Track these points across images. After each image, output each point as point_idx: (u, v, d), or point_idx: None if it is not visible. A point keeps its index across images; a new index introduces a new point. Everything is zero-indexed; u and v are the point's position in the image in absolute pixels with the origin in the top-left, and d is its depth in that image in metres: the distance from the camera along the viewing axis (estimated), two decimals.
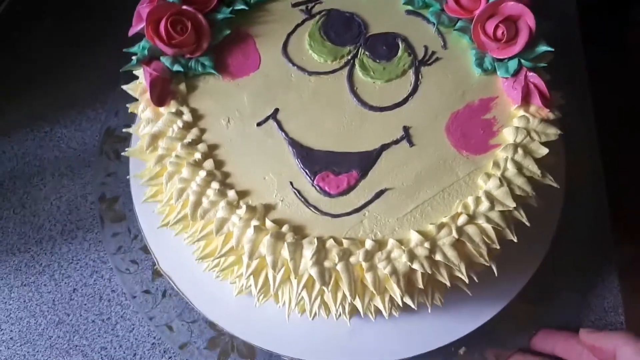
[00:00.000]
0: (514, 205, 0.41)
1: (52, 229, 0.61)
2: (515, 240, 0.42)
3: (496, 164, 0.42)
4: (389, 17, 0.50)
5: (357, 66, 0.49)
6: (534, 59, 0.46)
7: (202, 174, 0.43)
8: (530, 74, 0.45)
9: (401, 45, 0.49)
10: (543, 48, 0.45)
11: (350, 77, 0.49)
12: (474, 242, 0.40)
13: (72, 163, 0.65)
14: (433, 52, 0.48)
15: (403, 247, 0.39)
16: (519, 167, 0.42)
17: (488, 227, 0.40)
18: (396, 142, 0.45)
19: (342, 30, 0.50)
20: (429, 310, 0.46)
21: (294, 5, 0.51)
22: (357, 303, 0.42)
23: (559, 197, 0.52)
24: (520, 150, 0.43)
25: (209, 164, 0.43)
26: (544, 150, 0.43)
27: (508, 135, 0.44)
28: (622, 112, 0.64)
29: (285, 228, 0.41)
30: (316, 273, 0.39)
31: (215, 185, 0.42)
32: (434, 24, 0.48)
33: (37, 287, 0.59)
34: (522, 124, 0.44)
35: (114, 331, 0.52)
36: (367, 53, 0.49)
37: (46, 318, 0.56)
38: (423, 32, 0.49)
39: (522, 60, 0.45)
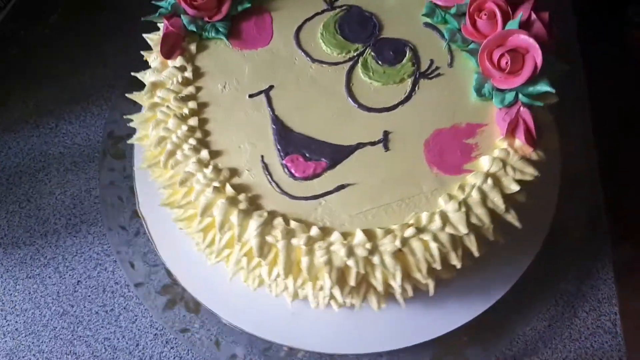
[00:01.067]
0: (466, 231, 0.42)
1: (57, 223, 0.62)
2: (458, 266, 0.44)
3: (461, 188, 0.42)
4: (406, 24, 0.51)
5: (359, 64, 0.50)
6: (533, 95, 0.45)
7: (184, 128, 0.46)
8: (524, 109, 0.44)
9: (408, 54, 0.49)
10: (544, 88, 0.44)
11: (350, 72, 0.50)
12: (415, 256, 0.41)
13: (76, 158, 0.66)
14: (437, 67, 0.49)
15: (345, 242, 0.41)
16: (484, 197, 0.42)
17: (433, 246, 0.41)
18: (373, 143, 0.46)
19: (357, 27, 0.51)
20: (358, 307, 0.51)
21: None
22: (290, 283, 0.44)
23: (553, 194, 0.55)
24: (490, 181, 0.42)
25: (193, 120, 0.46)
26: (515, 187, 0.42)
27: (484, 163, 0.43)
28: (619, 111, 0.64)
29: (242, 196, 0.43)
30: (256, 244, 0.41)
31: (192, 141, 0.45)
32: (446, 41, 0.48)
33: (41, 279, 0.60)
34: (500, 156, 0.44)
35: (117, 322, 0.55)
36: (373, 54, 0.50)
37: (50, 309, 0.57)
38: (433, 46, 0.50)
39: (520, 94, 0.45)
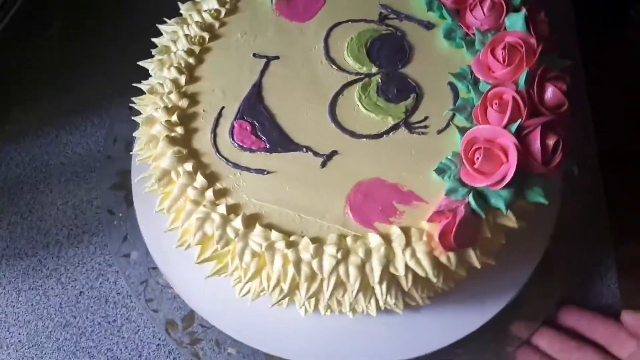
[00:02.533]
0: (326, 276, 0.44)
1: (59, 234, 0.62)
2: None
3: (355, 239, 0.44)
4: (432, 72, 0.52)
5: (360, 83, 0.51)
6: (485, 203, 0.44)
7: (173, 71, 0.52)
8: (460, 208, 0.42)
9: (409, 100, 0.50)
10: (499, 203, 0.44)
11: (348, 85, 0.52)
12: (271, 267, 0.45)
13: (77, 168, 0.66)
14: (426, 126, 0.48)
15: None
16: (363, 261, 0.43)
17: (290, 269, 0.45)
18: (316, 154, 0.47)
19: (387, 51, 0.53)
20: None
21: (382, 5, 0.55)
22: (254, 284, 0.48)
23: (555, 197, 0.52)
24: (381, 250, 0.42)
25: (192, 60, 0.53)
26: (399, 272, 0.43)
27: (391, 231, 0.43)
28: (620, 110, 0.64)
29: (180, 129, 0.50)
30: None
31: (182, 78, 0.52)
32: (453, 112, 0.48)
33: (44, 290, 0.60)
34: (408, 234, 0.43)
35: (120, 333, 0.53)
36: (379, 81, 0.51)
37: (53, 321, 0.57)
38: (439, 106, 0.49)
39: (471, 195, 0.43)
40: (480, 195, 0.43)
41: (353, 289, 0.42)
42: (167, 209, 0.45)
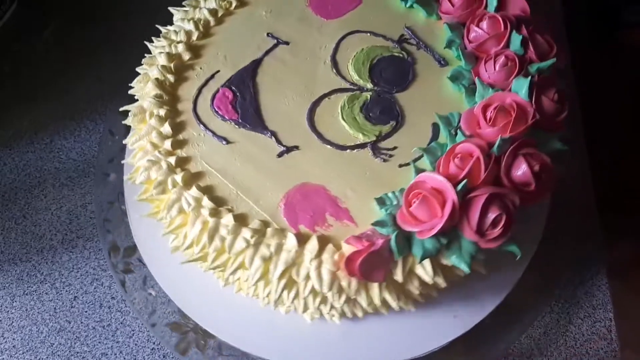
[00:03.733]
0: (229, 253, 0.46)
1: (53, 239, 0.62)
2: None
3: (265, 227, 0.47)
4: (426, 108, 0.53)
5: (350, 94, 0.53)
6: (404, 248, 0.45)
7: (192, 24, 0.56)
8: (378, 241, 0.44)
9: (387, 126, 0.51)
10: (417, 251, 0.45)
11: (336, 92, 0.54)
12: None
13: (71, 174, 0.66)
14: (391, 155, 0.49)
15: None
16: (268, 252, 0.46)
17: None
18: (278, 142, 0.50)
19: (390, 72, 0.54)
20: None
21: (407, 27, 0.57)
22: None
23: (544, 207, 0.56)
24: (292, 251, 0.46)
25: (212, 19, 0.58)
26: (297, 277, 0.46)
27: (310, 239, 0.45)
28: (610, 112, 0.64)
29: (172, 77, 0.54)
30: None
31: (195, 34, 0.55)
32: (424, 148, 0.50)
33: (38, 295, 0.60)
34: (323, 247, 0.47)
35: (114, 337, 0.53)
36: (368, 98, 0.52)
37: (48, 326, 0.57)
38: (415, 141, 0.50)
39: (394, 235, 0.44)
40: (405, 238, 0.44)
41: (252, 277, 0.44)
42: (132, 143, 0.49)
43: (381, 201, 0.46)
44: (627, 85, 0.68)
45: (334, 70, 0.54)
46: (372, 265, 0.44)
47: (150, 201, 0.47)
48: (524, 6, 0.52)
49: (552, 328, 0.56)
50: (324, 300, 0.46)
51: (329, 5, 0.57)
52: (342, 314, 0.48)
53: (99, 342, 0.54)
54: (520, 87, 0.47)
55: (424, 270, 0.44)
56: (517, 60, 0.49)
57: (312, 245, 0.45)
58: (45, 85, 0.70)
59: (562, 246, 0.57)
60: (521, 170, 0.44)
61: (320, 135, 0.51)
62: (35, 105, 0.67)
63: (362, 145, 0.50)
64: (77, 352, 0.54)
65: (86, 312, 0.55)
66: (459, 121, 0.48)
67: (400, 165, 0.48)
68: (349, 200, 0.47)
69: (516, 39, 0.49)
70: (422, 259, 0.43)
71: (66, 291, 0.56)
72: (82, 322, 0.55)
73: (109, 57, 0.69)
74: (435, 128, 0.49)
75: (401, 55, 0.54)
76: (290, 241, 0.45)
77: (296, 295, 0.45)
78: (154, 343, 0.54)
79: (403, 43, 0.55)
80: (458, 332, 0.53)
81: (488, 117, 0.47)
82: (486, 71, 0.50)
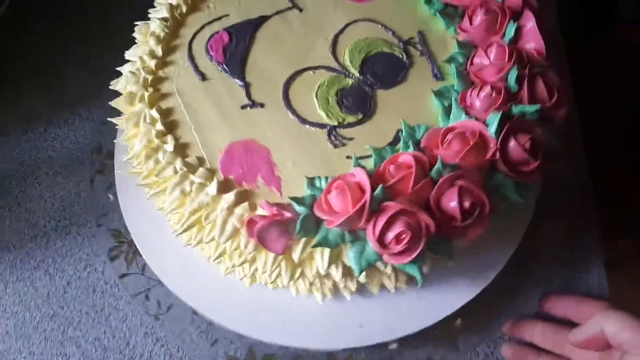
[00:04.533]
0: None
1: (47, 225, 0.63)
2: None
3: (195, 168, 0.50)
4: (404, 110, 0.53)
5: (332, 77, 0.55)
6: (309, 230, 0.48)
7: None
8: (285, 214, 0.47)
9: (352, 115, 0.52)
10: (319, 237, 0.48)
11: (323, 69, 0.56)
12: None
13: (66, 162, 0.67)
14: (343, 144, 0.51)
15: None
16: (187, 187, 0.49)
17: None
18: (247, 94, 0.54)
19: (383, 69, 0.55)
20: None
21: (419, 31, 0.58)
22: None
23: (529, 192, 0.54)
24: (208, 196, 0.49)
25: None
26: (203, 220, 0.50)
27: (232, 190, 0.48)
28: (606, 108, 0.64)
29: (185, 7, 0.57)
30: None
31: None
32: (372, 153, 0.50)
33: (32, 281, 0.61)
34: (238, 203, 0.48)
35: (108, 322, 0.53)
36: (348, 85, 0.54)
37: (41, 311, 0.58)
38: (374, 139, 0.51)
39: (304, 215, 0.46)
40: (315, 222, 0.45)
41: (169, 204, 0.49)
42: (129, 55, 0.55)
43: (311, 182, 0.47)
44: (625, 81, 0.67)
45: (330, 49, 0.54)
46: (272, 234, 0.46)
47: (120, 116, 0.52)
48: (540, 47, 0.51)
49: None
50: (227, 254, 0.50)
51: None
52: (325, 292, 0.52)
53: (92, 327, 0.54)
54: (492, 121, 0.47)
55: (321, 258, 0.46)
56: (503, 95, 0.48)
57: (230, 196, 0.46)
58: (39, 75, 0.72)
59: (557, 222, 0.56)
60: (451, 201, 0.44)
61: (288, 103, 0.52)
62: (29, 95, 0.70)
63: (322, 125, 0.51)
64: (70, 337, 0.53)
65: (79, 297, 0.55)
66: (421, 138, 0.48)
67: (347, 157, 0.48)
68: (285, 171, 0.49)
69: (513, 74, 0.48)
70: (316, 245, 0.44)
71: (59, 277, 0.56)
72: (75, 308, 0.55)
73: (101, 45, 0.69)
74: (399, 135, 0.49)
75: (400, 56, 0.54)
76: (212, 186, 0.46)
77: (200, 240, 0.48)
78: (147, 327, 0.54)
79: (408, 45, 0.55)
80: (451, 308, 0.54)
81: (446, 139, 0.46)
82: (470, 96, 0.49)
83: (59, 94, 0.68)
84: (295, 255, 0.45)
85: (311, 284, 0.48)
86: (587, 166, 0.59)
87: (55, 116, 0.65)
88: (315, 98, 0.51)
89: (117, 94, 0.52)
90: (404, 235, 0.43)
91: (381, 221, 0.43)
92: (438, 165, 0.45)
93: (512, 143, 0.47)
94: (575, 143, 0.62)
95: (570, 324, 0.53)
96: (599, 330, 0.46)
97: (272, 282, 0.47)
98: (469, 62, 0.52)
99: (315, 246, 0.44)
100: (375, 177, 0.45)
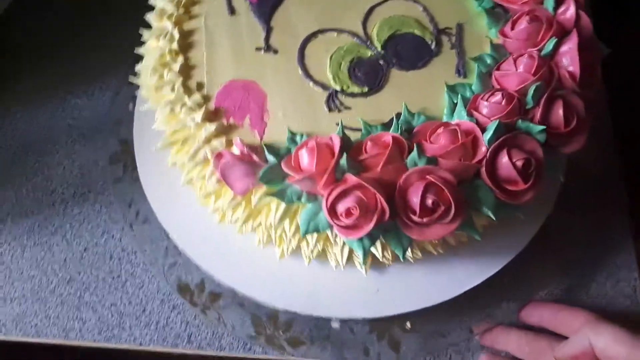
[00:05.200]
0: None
1: (65, 192, 0.70)
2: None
3: (199, 105, 0.53)
4: (411, 96, 0.51)
5: (353, 44, 0.53)
6: (274, 181, 0.49)
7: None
8: (255, 158, 0.47)
9: (358, 87, 0.52)
10: (280, 193, 0.49)
11: (348, 34, 0.54)
12: None
13: (84, 130, 0.73)
14: (339, 110, 0.51)
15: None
16: (186, 110, 0.52)
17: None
18: (266, 39, 0.54)
19: (406, 51, 0.53)
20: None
21: (459, 24, 0.55)
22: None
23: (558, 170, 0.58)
24: (195, 123, 0.50)
25: None
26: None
27: (215, 122, 0.51)
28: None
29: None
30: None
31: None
32: (363, 127, 0.50)
33: (49, 246, 0.67)
34: (217, 136, 0.50)
35: (124, 288, 0.55)
36: (366, 57, 0.53)
37: (57, 276, 0.59)
38: (377, 115, 0.50)
39: (271, 165, 0.48)
40: (280, 173, 0.46)
41: (157, 116, 0.52)
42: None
43: (292, 137, 0.50)
44: None
45: (363, 18, 0.56)
46: (235, 173, 0.47)
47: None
48: (575, 71, 0.49)
49: (575, 286, 0.54)
50: (194, 182, 0.53)
51: None
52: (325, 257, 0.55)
53: (109, 293, 0.54)
54: (491, 128, 0.47)
55: (275, 211, 0.49)
56: (513, 106, 0.47)
57: (211, 127, 0.50)
58: (58, 45, 0.76)
59: (583, 200, 0.55)
60: (415, 194, 0.44)
61: (301, 56, 0.55)
62: (49, 64, 0.76)
63: (325, 87, 0.53)
64: (87, 302, 0.54)
65: (96, 263, 0.55)
66: (415, 135, 0.50)
67: (337, 124, 0.51)
68: (273, 120, 0.52)
69: (532, 89, 0.49)
70: (271, 194, 0.47)
71: (77, 243, 0.56)
72: (91, 273, 0.55)
73: (120, 15, 0.69)
74: (396, 118, 0.50)
75: (430, 42, 0.55)
76: (199, 113, 0.51)
77: (175, 163, 0.53)
78: (163, 294, 0.53)
79: (442, 34, 0.55)
80: (472, 283, 0.54)
81: (436, 132, 0.47)
82: (481, 99, 0.49)
83: (78, 65, 0.77)
84: (254, 200, 0.49)
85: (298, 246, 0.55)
86: (618, 162, 0.59)
87: (74, 86, 0.77)
88: (329, 59, 0.55)
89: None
90: (354, 210, 0.44)
91: (337, 190, 0.44)
92: (414, 153, 0.46)
93: (503, 156, 0.46)
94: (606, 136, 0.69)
95: (548, 333, 0.51)
96: (587, 345, 0.44)
97: (234, 223, 0.55)
98: (496, 67, 0.52)
99: (269, 194, 0.48)
100: (352, 150, 0.47)
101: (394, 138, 0.46)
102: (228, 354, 0.59)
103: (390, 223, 0.44)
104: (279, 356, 0.58)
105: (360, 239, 0.44)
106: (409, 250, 0.53)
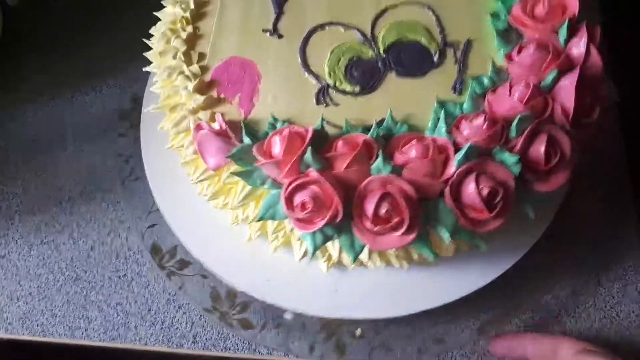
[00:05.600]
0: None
1: (72, 191, 0.79)
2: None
3: (187, 57, 0.57)
4: (407, 98, 0.51)
5: (356, 42, 0.53)
6: (245, 161, 0.50)
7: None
8: (231, 138, 0.48)
9: (351, 86, 0.51)
10: (247, 175, 0.51)
11: (353, 29, 0.54)
12: None
13: (92, 128, 0.75)
14: (327, 104, 0.51)
15: None
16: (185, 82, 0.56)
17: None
18: (276, 18, 0.55)
19: (408, 59, 0.51)
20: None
21: (468, 40, 0.54)
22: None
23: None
24: (186, 93, 0.52)
25: None
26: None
27: (205, 94, 0.53)
28: None
29: None
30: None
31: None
32: (345, 125, 0.52)
33: (56, 245, 0.70)
34: (203, 107, 0.52)
35: (130, 287, 0.55)
36: (366, 58, 0.52)
37: (64, 274, 0.57)
38: (363, 116, 0.50)
39: (246, 145, 0.50)
40: (252, 155, 0.46)
41: (158, 76, 0.54)
42: None
43: (274, 123, 0.50)
44: None
45: (372, 19, 0.55)
46: (210, 147, 0.46)
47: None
48: (568, 108, 0.47)
49: (581, 289, 0.54)
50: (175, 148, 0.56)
51: None
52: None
53: (114, 292, 0.54)
54: (461, 152, 0.46)
55: (238, 192, 0.48)
56: (494, 132, 0.46)
57: (200, 99, 0.52)
58: (66, 43, 0.78)
59: (591, 201, 0.55)
60: (370, 201, 0.43)
61: (304, 45, 0.55)
62: (58, 61, 0.78)
63: (318, 79, 0.54)
64: (92, 301, 0.54)
65: (102, 262, 0.56)
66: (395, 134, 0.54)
67: (322, 119, 0.51)
68: (262, 102, 0.51)
69: (518, 119, 0.47)
70: (237, 174, 0.46)
71: (83, 242, 0.57)
72: (98, 272, 0.55)
73: (129, 13, 0.69)
74: (378, 124, 0.50)
75: (433, 53, 0.54)
76: (194, 83, 0.52)
77: (162, 127, 0.54)
78: (169, 294, 0.53)
79: (448, 47, 0.54)
80: (476, 286, 0.53)
81: (408, 144, 0.46)
82: (465, 120, 0.49)
83: (87, 62, 0.86)
84: (222, 177, 0.50)
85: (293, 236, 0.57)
86: (626, 164, 0.61)
87: (83, 84, 0.74)
88: (330, 53, 0.56)
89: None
90: (308, 204, 0.44)
91: (297, 182, 0.45)
92: (379, 161, 0.46)
93: (470, 181, 0.45)
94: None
95: None
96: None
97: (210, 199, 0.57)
98: (492, 89, 0.52)
99: (235, 173, 0.48)
100: (325, 145, 0.46)
101: (365, 141, 0.46)
102: (233, 354, 0.60)
103: (345, 224, 0.44)
104: (279, 354, 0.58)
105: (313, 234, 0.44)
106: (368, 257, 0.51)
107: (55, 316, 0.62)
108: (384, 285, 0.54)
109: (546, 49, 0.50)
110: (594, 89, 0.48)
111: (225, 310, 0.57)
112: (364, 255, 0.51)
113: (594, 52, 0.48)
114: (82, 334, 0.60)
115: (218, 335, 0.58)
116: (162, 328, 0.59)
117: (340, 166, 0.44)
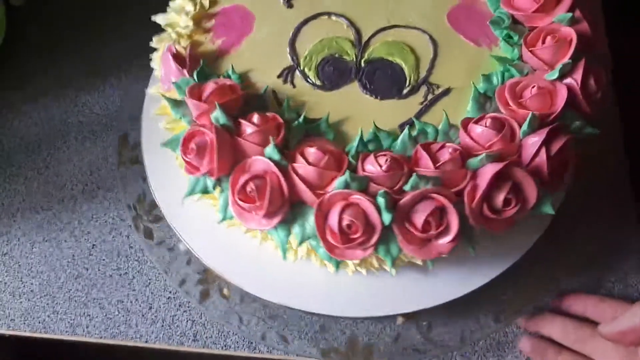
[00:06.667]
0: None
1: (74, 189, 0.84)
2: None
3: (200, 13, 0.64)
4: (359, 111, 0.53)
5: (347, 39, 0.53)
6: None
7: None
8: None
9: (320, 81, 0.51)
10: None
11: (353, 29, 0.55)
12: None
13: (95, 127, 0.76)
14: (295, 86, 0.53)
15: None
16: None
17: None
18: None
19: (385, 78, 0.51)
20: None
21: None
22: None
23: None
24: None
25: None
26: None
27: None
28: None
29: None
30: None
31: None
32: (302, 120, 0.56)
33: (57, 242, 0.71)
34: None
35: (131, 285, 0.55)
36: (347, 59, 0.52)
37: (66, 272, 0.57)
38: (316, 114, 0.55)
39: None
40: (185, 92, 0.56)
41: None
42: None
43: (228, 73, 0.51)
44: None
45: (376, 30, 0.53)
46: (168, 66, 0.48)
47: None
48: (480, 185, 0.46)
49: (581, 290, 0.54)
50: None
51: (464, 17, 0.56)
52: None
53: (116, 290, 0.54)
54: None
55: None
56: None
57: (188, 23, 0.53)
58: (70, 43, 0.78)
59: (592, 203, 0.54)
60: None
61: (302, 24, 0.54)
62: (61, 61, 0.78)
63: (293, 58, 0.52)
64: (94, 299, 0.54)
65: (104, 260, 0.56)
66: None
67: (288, 98, 0.53)
68: (238, 54, 0.52)
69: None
70: (166, 98, 0.48)
71: (85, 239, 0.57)
72: (99, 270, 0.55)
73: (134, 13, 0.69)
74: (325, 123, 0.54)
75: (408, 85, 0.52)
76: (195, 9, 0.54)
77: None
78: (170, 292, 0.53)
79: (426, 86, 0.51)
80: (472, 287, 0.52)
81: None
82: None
83: (90, 62, 0.82)
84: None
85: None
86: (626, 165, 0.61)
87: (86, 83, 0.75)
88: (318, 42, 0.55)
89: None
90: (193, 152, 0.45)
91: (196, 128, 0.45)
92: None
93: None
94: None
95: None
96: (637, 322, 0.43)
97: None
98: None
99: (167, 99, 0.48)
100: (254, 110, 0.49)
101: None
102: (233, 352, 0.61)
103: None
104: (279, 353, 0.61)
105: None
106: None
107: (57, 313, 0.62)
108: (384, 285, 0.51)
109: (500, 130, 0.47)
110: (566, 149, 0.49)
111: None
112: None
113: (542, 155, 0.45)
114: (84, 331, 0.61)
115: (218, 334, 0.59)
116: (162, 326, 0.60)
117: (245, 134, 0.46)
